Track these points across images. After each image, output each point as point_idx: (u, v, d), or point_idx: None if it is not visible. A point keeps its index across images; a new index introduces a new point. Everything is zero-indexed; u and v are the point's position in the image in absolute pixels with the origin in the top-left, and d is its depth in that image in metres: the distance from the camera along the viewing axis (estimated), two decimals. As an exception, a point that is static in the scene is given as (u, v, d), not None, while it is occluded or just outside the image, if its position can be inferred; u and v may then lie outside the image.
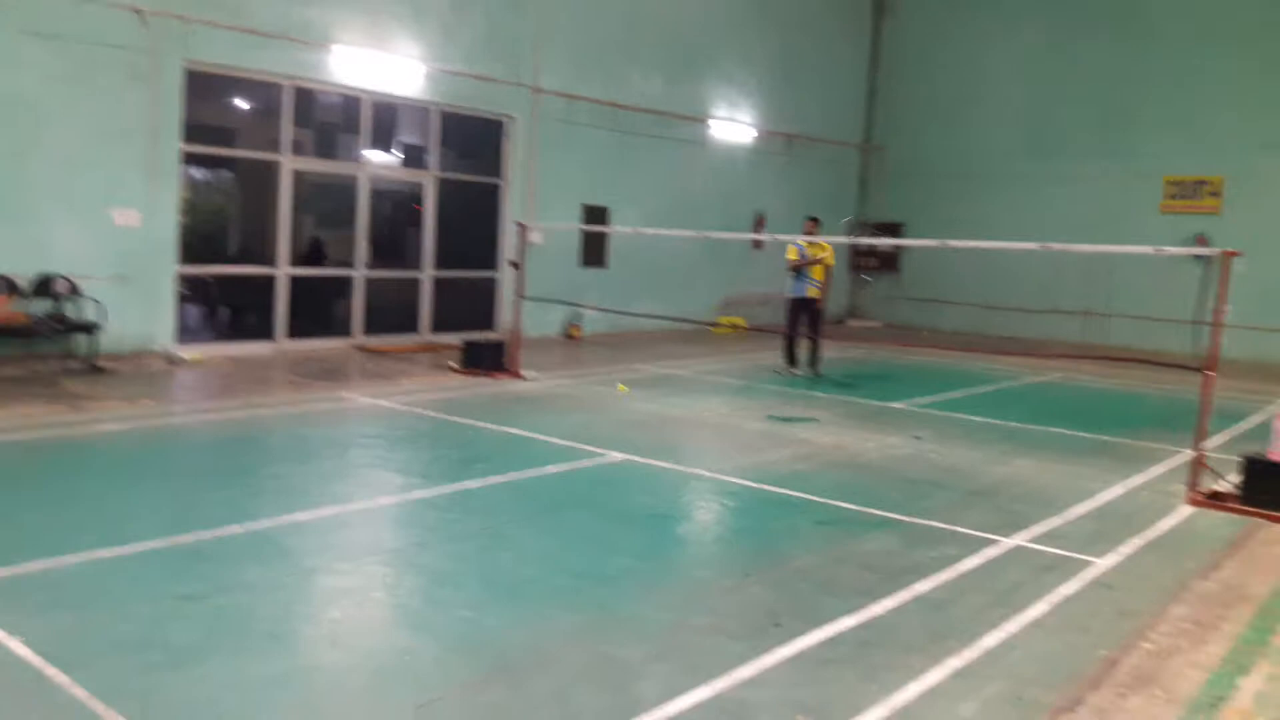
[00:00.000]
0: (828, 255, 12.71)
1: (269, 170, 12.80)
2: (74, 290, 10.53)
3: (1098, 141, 19.05)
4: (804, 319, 12.80)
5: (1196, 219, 17.94)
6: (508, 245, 15.08)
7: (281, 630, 4.23)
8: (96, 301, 10.58)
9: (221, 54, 11.66)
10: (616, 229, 16.16)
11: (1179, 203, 18.27)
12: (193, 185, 13.72)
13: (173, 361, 11.18)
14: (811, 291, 12.67)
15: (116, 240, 10.96)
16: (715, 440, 8.89)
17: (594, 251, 16.62)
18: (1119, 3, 18.99)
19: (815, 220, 13.03)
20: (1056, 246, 9.61)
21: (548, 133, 15.48)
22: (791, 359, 12.93)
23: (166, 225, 11.40)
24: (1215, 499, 6.99)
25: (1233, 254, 7.05)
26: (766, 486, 7.04)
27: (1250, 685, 4.11)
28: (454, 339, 13.15)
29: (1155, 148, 18.37)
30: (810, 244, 12.57)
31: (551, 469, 7.22)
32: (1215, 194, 17.90)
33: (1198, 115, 17.93)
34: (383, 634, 4.35)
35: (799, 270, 12.60)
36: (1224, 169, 17.76)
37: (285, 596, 4.62)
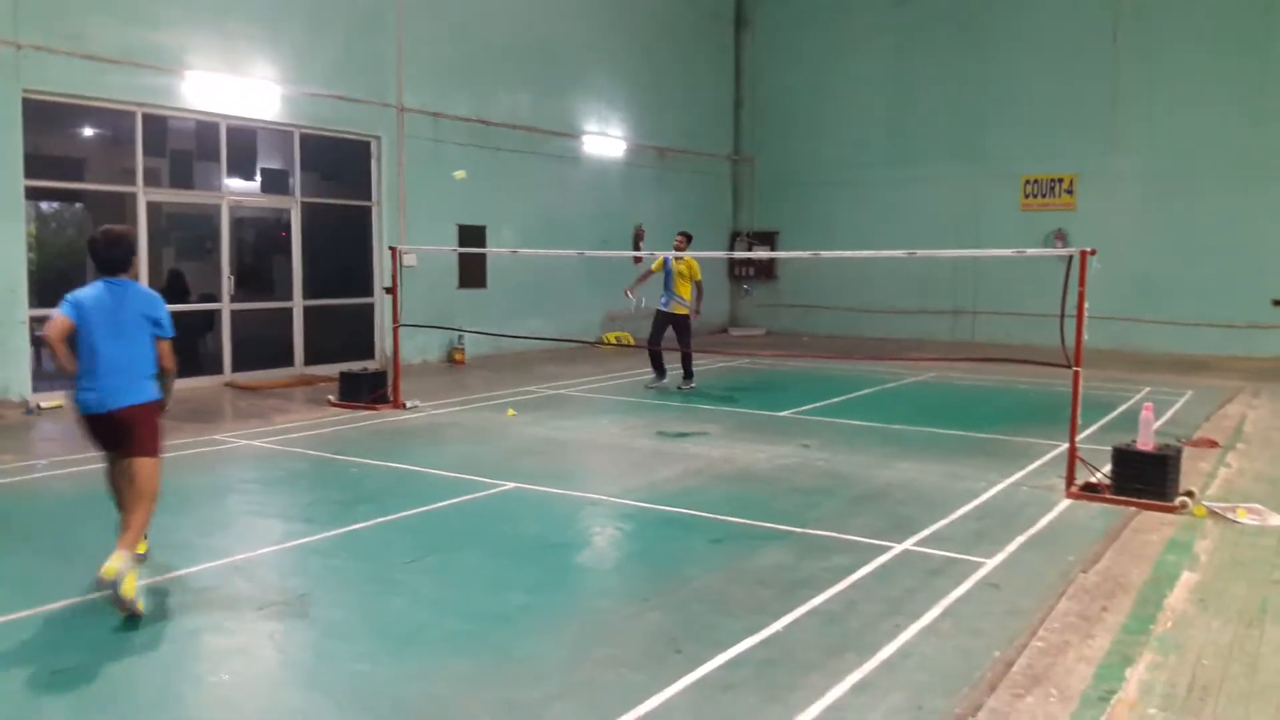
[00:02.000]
0: (692, 271, 12.70)
1: (123, 202, 12.23)
2: (-87, 341, 9.87)
3: (957, 145, 19.76)
4: (672, 334, 12.77)
5: (1055, 215, 18.77)
6: (382, 270, 14.76)
7: (167, 697, 4.00)
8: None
9: (63, 82, 11.11)
10: (493, 249, 15.99)
11: (1037, 201, 19.08)
12: (42, 220, 13.02)
13: (30, 411, 10.56)
14: (676, 308, 12.65)
15: (-42, 284, 10.32)
16: (606, 461, 8.84)
17: (472, 272, 16.40)
18: (961, 10, 19.72)
19: (686, 235, 13.01)
20: (922, 253, 9.92)
21: (416, 152, 15.23)
22: (660, 370, 12.90)
23: (14, 266, 10.78)
24: (1090, 491, 7.26)
25: (1089, 252, 7.34)
26: (659, 506, 7.01)
27: (1136, 676, 4.25)
28: (331, 370, 12.80)
29: (1011, 149, 19.16)
30: (677, 259, 12.59)
31: (441, 504, 7.05)
32: (1070, 191, 18.75)
33: (1048, 116, 18.77)
34: (275, 694, 4.15)
35: (665, 283, 12.65)
36: (1076, 167, 18.62)
37: (169, 659, 4.37)
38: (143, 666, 4.29)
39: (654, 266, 12.90)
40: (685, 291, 12.69)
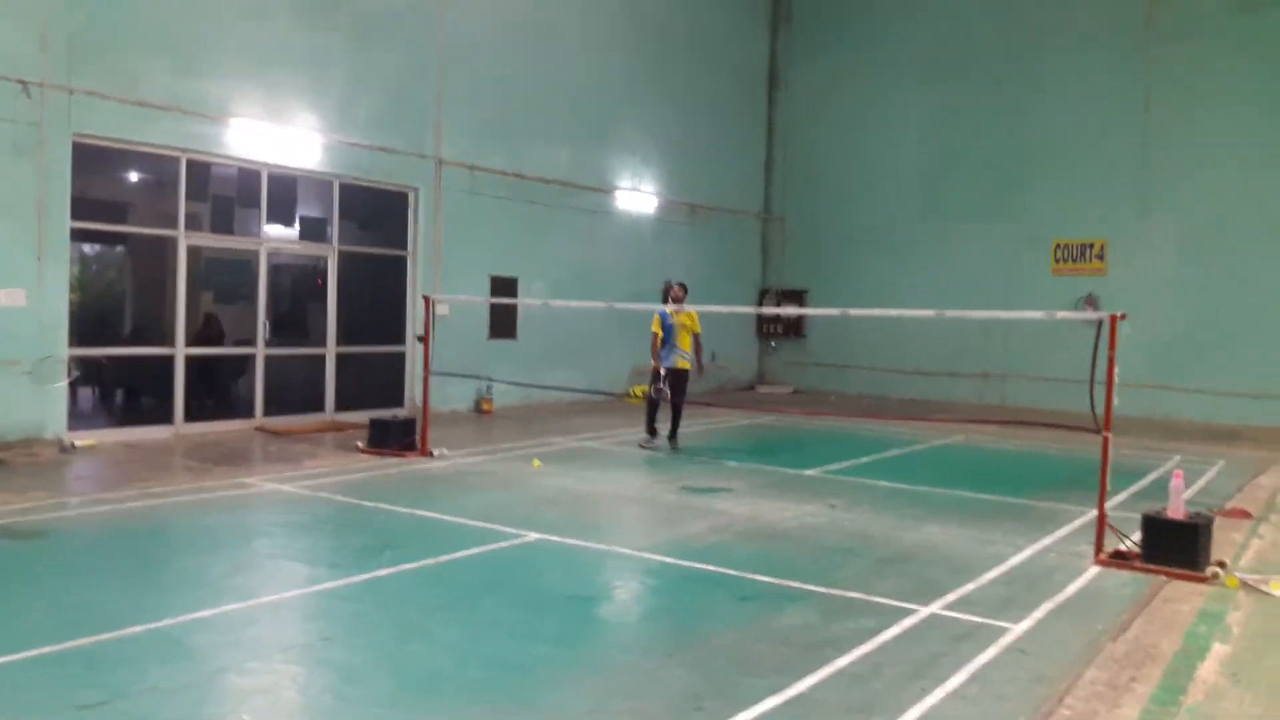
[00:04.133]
0: (693, 323, 12.42)
1: (164, 246, 12.48)
2: (-45, 376, 10.05)
3: (989, 206, 19.78)
4: (670, 388, 12.24)
5: (1086, 279, 18.71)
6: (414, 319, 14.92)
7: (183, 741, 4.02)
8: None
9: (111, 127, 11.39)
10: (524, 300, 16.13)
11: (1068, 265, 19.04)
12: (84, 262, 13.28)
13: (65, 449, 10.69)
14: (680, 363, 12.32)
15: (3, 321, 10.51)
16: (631, 515, 8.83)
17: (503, 323, 16.54)
18: (995, 72, 19.86)
19: (683, 286, 12.73)
20: (951, 313, 9.93)
21: (452, 204, 15.45)
22: (652, 430, 12.49)
23: (56, 305, 10.99)
24: (1119, 558, 7.17)
25: (1119, 317, 7.32)
26: (684, 562, 6.99)
27: (1165, 749, 4.18)
28: (360, 417, 12.88)
29: (1043, 211, 19.16)
30: (676, 311, 12.30)
31: (465, 553, 7.06)
32: (1100, 256, 18.71)
33: (1080, 181, 18.79)
34: (292, 739, 4.15)
35: (665, 338, 12.22)
36: (1108, 231, 18.60)
37: (192, 699, 4.39)
38: (166, 705, 4.30)
39: (654, 328, 12.37)
40: (687, 345, 12.38)
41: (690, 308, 12.46)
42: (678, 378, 12.35)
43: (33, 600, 5.79)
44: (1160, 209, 18.01)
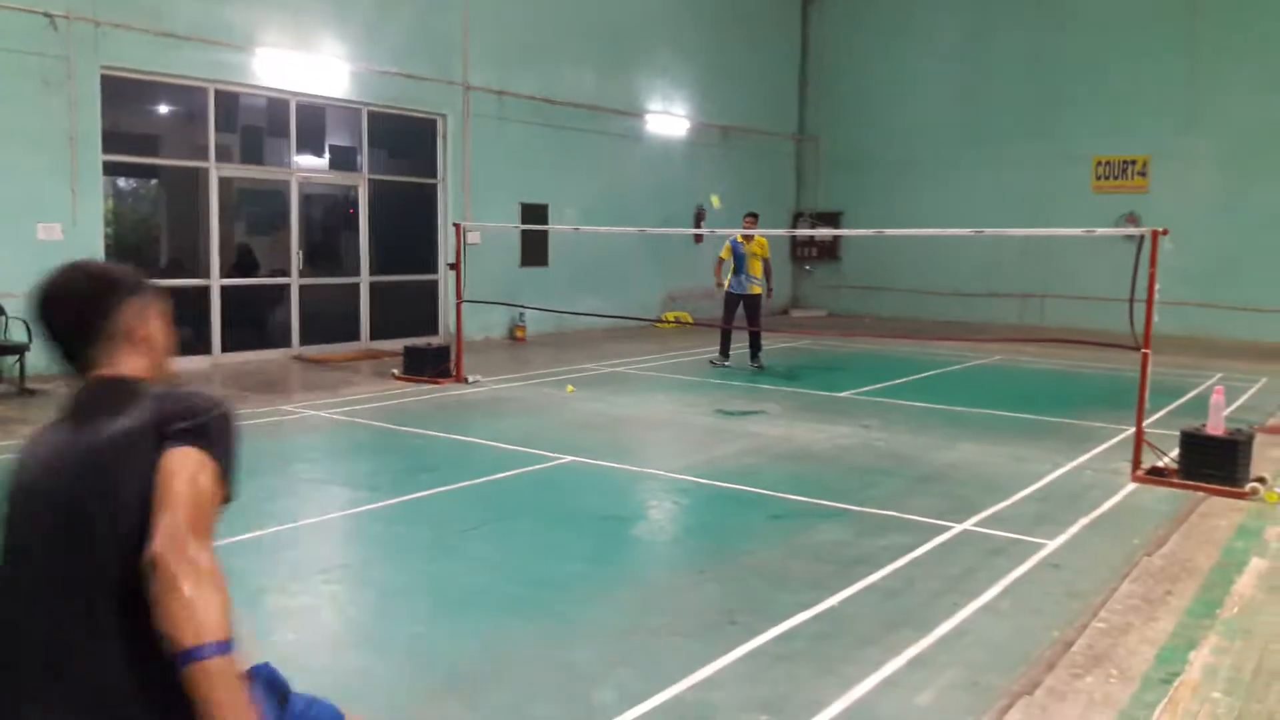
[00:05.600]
0: (763, 250, 12.86)
1: (195, 178, 12.51)
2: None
3: (1028, 125, 19.34)
4: (743, 314, 12.85)
5: (1127, 198, 18.32)
6: (446, 247, 14.92)
7: (228, 655, 4.11)
8: (24, 321, 10.24)
9: (138, 58, 11.37)
10: (555, 227, 16.06)
11: (1109, 183, 18.64)
12: (118, 196, 13.36)
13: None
14: (753, 288, 12.78)
15: (40, 256, 10.57)
16: (665, 438, 8.87)
17: (534, 250, 16.51)
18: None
19: (754, 216, 13.10)
20: (990, 231, 9.76)
21: (480, 131, 15.34)
22: (725, 352, 12.93)
23: (92, 238, 11.08)
24: (1157, 475, 7.12)
25: (1160, 232, 7.17)
26: (717, 483, 7.02)
27: (1200, 659, 4.17)
28: (395, 345, 12.98)
29: (1084, 129, 18.71)
30: (746, 239, 12.70)
31: (501, 475, 7.13)
32: (1143, 173, 18.29)
33: (1122, 96, 18.30)
34: (336, 653, 4.24)
35: (736, 266, 12.73)
36: (1149, 148, 18.15)
37: (234, 619, 4.49)
38: (211, 622, 4.41)
39: (723, 254, 12.96)
40: (758, 271, 12.79)
41: (758, 233, 12.85)
42: (751, 302, 12.82)
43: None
44: (1206, 124, 17.51)
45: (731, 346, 12.93)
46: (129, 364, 1.95)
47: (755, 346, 12.96)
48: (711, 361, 12.98)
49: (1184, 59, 17.67)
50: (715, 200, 10.78)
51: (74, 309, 1.93)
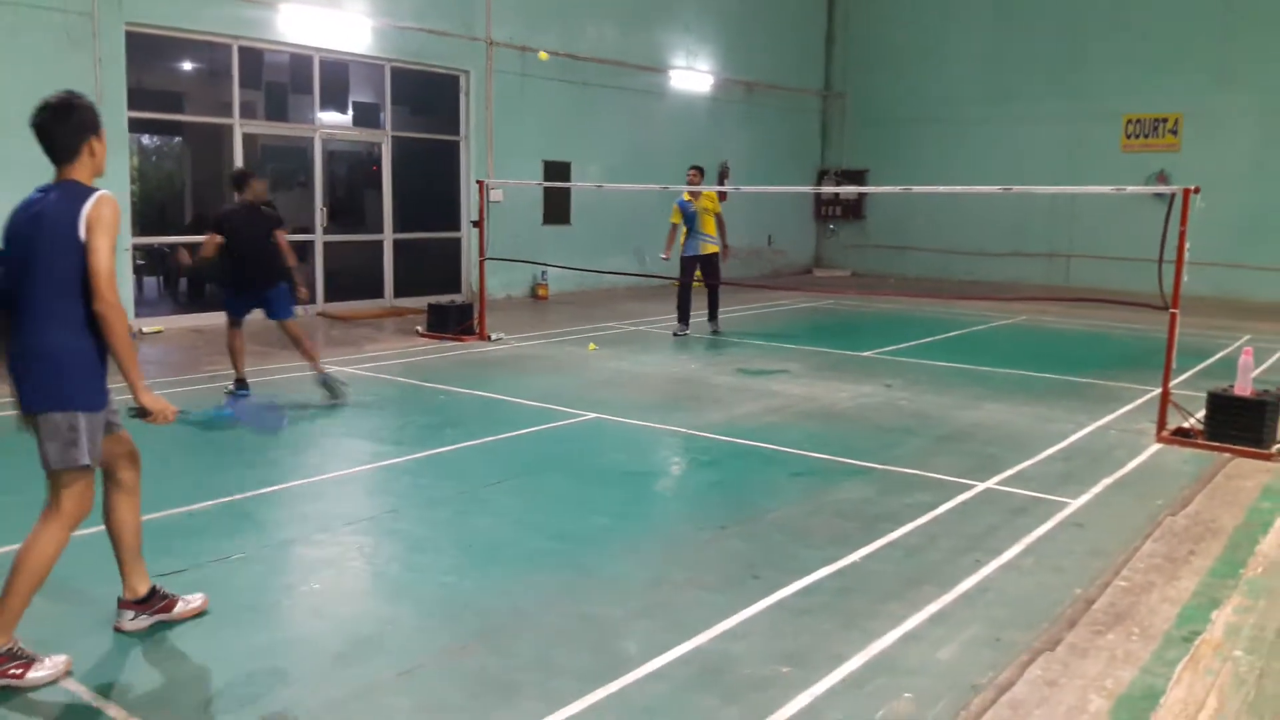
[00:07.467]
0: (714, 204, 12.05)
1: (220, 134, 12.53)
2: (26, 265, 10.32)
3: (1057, 83, 19.05)
4: (701, 274, 12.10)
5: (1157, 156, 18.05)
6: (469, 204, 14.91)
7: (261, 603, 4.19)
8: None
9: (162, 15, 11.36)
10: (578, 184, 16.01)
11: (1139, 141, 18.37)
12: (142, 152, 13.41)
13: (133, 335, 10.95)
14: (707, 247, 11.99)
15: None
16: (687, 396, 8.87)
17: (557, 208, 16.46)
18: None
19: (698, 170, 12.19)
20: (1018, 189, 9.63)
21: (503, 87, 15.25)
22: (684, 319, 12.11)
23: (118, 195, 11.09)
24: (1182, 436, 7.08)
25: (1192, 190, 7.07)
26: (740, 440, 7.04)
27: (1222, 618, 4.18)
28: (419, 303, 13.03)
29: (1113, 87, 18.41)
30: (693, 197, 11.94)
31: (524, 431, 7.18)
32: (1174, 131, 18.01)
33: (1153, 53, 17.97)
34: (363, 603, 4.31)
35: (689, 227, 11.92)
36: (1181, 106, 17.85)
37: (263, 569, 4.57)
38: (237, 573, 4.49)
39: (672, 218, 12.12)
40: (712, 228, 11.98)
41: (707, 188, 12.18)
42: (708, 262, 12.11)
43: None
44: (1240, 81, 17.19)
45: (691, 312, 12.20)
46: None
47: (714, 307, 12.37)
48: (674, 334, 12.06)
49: (1218, 14, 17.32)
50: (543, 55, 10.44)
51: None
